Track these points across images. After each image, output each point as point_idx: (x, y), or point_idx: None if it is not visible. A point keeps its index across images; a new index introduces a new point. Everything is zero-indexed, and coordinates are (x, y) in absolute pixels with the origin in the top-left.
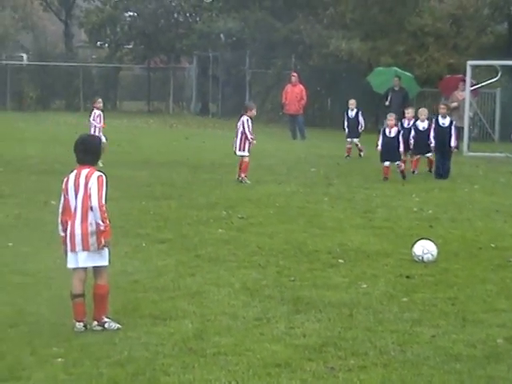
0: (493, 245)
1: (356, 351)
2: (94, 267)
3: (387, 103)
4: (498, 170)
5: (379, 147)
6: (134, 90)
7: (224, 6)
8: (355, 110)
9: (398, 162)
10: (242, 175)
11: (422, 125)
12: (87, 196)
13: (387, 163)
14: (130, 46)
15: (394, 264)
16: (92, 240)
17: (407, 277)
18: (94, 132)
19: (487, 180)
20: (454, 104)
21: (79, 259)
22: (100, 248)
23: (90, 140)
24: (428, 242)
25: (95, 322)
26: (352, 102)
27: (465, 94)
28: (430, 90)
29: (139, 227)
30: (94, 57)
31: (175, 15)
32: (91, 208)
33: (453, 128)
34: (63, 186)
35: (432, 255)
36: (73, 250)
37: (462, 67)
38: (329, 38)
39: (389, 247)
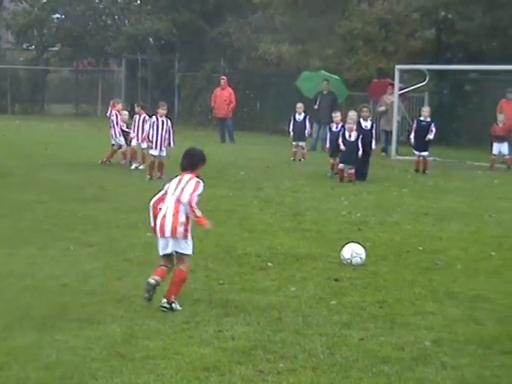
0: (421, 248)
1: (285, 354)
2: (178, 254)
3: (316, 107)
4: (426, 174)
5: (327, 145)
6: (62, 93)
7: (152, 9)
8: (303, 114)
9: (351, 168)
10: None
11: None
12: (182, 193)
13: (342, 166)
14: (57, 48)
15: (322, 267)
16: (180, 229)
17: (336, 280)
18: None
19: (416, 183)
20: (382, 108)
21: (168, 245)
22: (184, 237)
23: (193, 151)
24: (357, 245)
25: (164, 300)
26: (300, 106)
27: (393, 97)
28: (359, 94)
29: (67, 230)
30: (21, 59)
31: (103, 17)
32: (182, 203)
33: (373, 131)
34: (166, 185)
35: (361, 258)
36: (162, 235)
37: (391, 71)
38: (258, 41)
39: (318, 250)
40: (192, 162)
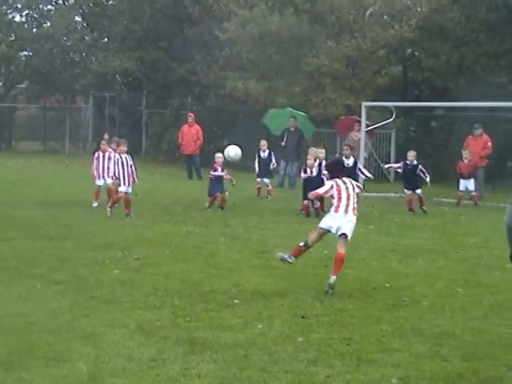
0: (387, 284)
1: None
2: (341, 237)
3: (283, 143)
4: (393, 211)
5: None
6: (30, 130)
7: (120, 47)
8: (267, 151)
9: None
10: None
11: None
12: (353, 188)
13: (306, 202)
14: (24, 86)
15: (289, 304)
16: (350, 216)
17: (302, 317)
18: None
19: (382, 220)
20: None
21: (336, 226)
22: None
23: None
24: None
25: (333, 277)
26: (263, 143)
27: (360, 134)
28: (326, 131)
29: (34, 268)
30: None
31: (71, 55)
32: (357, 194)
33: (357, 167)
34: (335, 185)
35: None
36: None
37: (359, 108)
38: (225, 78)
39: (284, 287)
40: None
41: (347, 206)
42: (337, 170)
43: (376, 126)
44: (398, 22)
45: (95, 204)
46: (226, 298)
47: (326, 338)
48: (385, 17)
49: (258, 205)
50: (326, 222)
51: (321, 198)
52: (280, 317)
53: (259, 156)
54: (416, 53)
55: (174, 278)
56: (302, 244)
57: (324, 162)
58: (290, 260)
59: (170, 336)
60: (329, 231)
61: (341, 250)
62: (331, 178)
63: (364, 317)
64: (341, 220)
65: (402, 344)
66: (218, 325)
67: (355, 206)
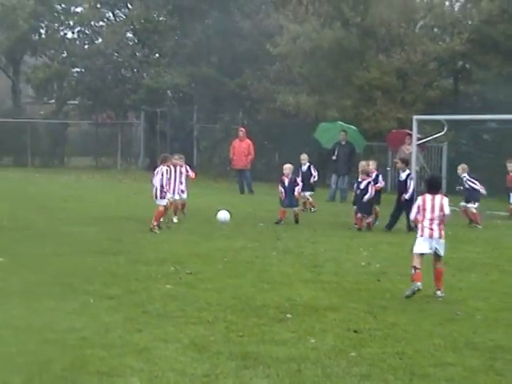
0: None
1: None
2: (435, 255)
3: (334, 157)
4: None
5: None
6: (82, 146)
7: (171, 62)
8: (307, 165)
9: (368, 217)
10: (154, 223)
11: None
12: (441, 207)
13: (359, 215)
14: (77, 102)
15: (342, 318)
16: (441, 233)
17: (355, 331)
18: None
19: None
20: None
21: (430, 245)
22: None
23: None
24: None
25: (438, 292)
26: (303, 158)
27: (411, 147)
28: (377, 144)
29: (87, 283)
30: (41, 112)
31: (122, 71)
32: (443, 214)
33: (408, 181)
34: (421, 201)
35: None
36: (430, 237)
37: (410, 121)
38: (276, 92)
39: (337, 302)
40: (437, 186)
41: (438, 229)
42: (433, 186)
43: (427, 139)
44: (448, 34)
45: (175, 220)
46: (279, 312)
47: (378, 353)
48: (435, 29)
49: (309, 218)
50: (421, 247)
51: (375, 213)
52: (333, 331)
53: (300, 170)
54: (467, 65)
55: (227, 292)
56: (413, 271)
57: (374, 175)
58: (417, 288)
59: (223, 351)
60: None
61: (438, 265)
62: (428, 192)
63: (417, 331)
64: (434, 242)
65: (456, 358)
66: (270, 339)
67: (442, 226)
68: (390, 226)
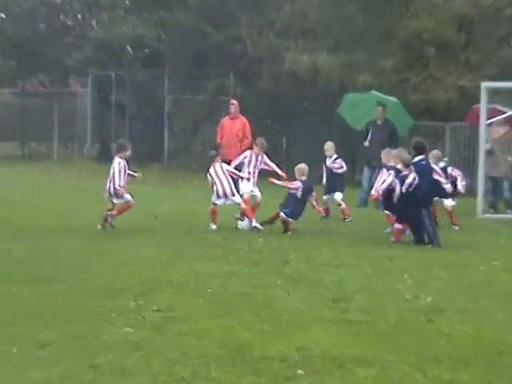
0: None
1: None
2: None
3: (367, 143)
4: None
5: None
6: (1, 126)
7: (133, 5)
8: (334, 156)
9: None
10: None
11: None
12: None
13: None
14: None
15: (376, 376)
16: None
17: None
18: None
19: None
20: (487, 146)
21: None
22: None
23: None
24: None
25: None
26: (328, 147)
27: (503, 129)
28: (432, 124)
29: (9, 325)
30: None
31: (61, 17)
32: None
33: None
34: None
35: None
36: None
37: (477, 90)
38: (283, 49)
39: (370, 351)
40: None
41: None
42: None
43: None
44: None
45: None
46: (286, 367)
47: None
48: None
49: (329, 230)
50: None
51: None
52: None
53: (325, 165)
54: None
55: (211, 338)
56: None
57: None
58: None
59: None
60: None
61: None
62: None
63: None
64: None
65: None
66: None
67: None
68: (433, 242)
